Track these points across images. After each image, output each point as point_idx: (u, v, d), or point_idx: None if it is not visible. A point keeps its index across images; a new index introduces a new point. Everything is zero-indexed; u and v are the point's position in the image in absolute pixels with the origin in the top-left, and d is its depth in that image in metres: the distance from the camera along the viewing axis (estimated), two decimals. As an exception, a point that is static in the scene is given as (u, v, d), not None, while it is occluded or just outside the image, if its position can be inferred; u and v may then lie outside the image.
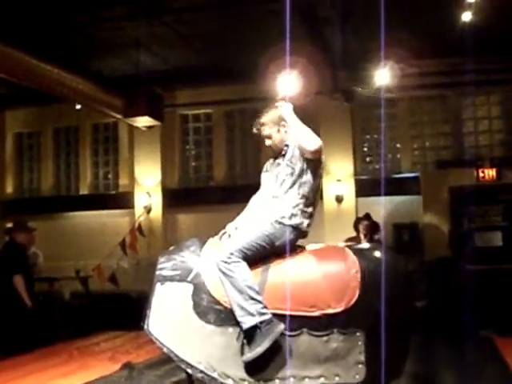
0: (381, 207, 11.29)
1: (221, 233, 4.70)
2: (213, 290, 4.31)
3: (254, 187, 4.75)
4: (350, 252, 4.45)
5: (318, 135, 4.53)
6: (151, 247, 14.01)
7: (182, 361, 4.25)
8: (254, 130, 4.75)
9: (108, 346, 8.29)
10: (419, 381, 6.16)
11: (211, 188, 14.83)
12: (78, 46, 11.17)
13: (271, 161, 4.82)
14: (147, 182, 14.84)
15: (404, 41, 9.03)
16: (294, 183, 4.52)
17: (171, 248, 4.73)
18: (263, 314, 4.16)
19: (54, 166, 16.35)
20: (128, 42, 11.20)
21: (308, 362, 4.22)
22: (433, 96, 13.95)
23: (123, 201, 15.06)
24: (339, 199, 13.52)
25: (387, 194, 12.34)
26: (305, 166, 4.52)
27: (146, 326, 4.37)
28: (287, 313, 4.21)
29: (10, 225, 9.73)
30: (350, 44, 11.15)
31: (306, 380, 4.21)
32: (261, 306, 4.18)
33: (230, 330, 4.24)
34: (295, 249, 4.53)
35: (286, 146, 4.64)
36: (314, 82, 10.49)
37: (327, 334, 4.22)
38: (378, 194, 11.27)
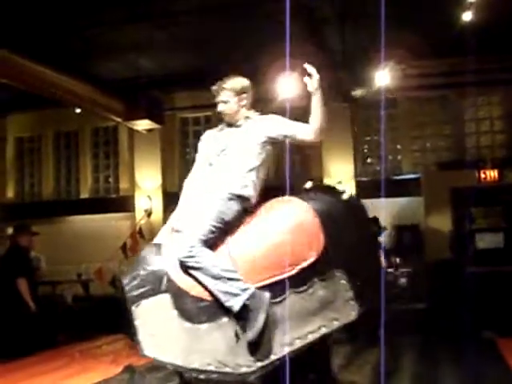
0: (382, 209, 11.26)
1: (164, 229, 4.54)
2: (191, 290, 4.17)
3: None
4: (300, 200, 4.46)
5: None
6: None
7: (192, 370, 4.10)
8: (213, 91, 4.64)
9: (110, 349, 8.29)
10: (421, 382, 6.16)
11: (212, 190, 14.75)
12: (78, 49, 11.16)
13: (214, 131, 4.73)
14: (148, 185, 14.84)
15: (404, 41, 9.01)
16: (249, 155, 4.45)
17: (129, 266, 4.48)
18: (246, 289, 4.09)
19: (55, 170, 16.36)
20: (128, 45, 11.19)
21: (304, 319, 4.23)
22: (433, 97, 13.94)
23: (124, 204, 15.06)
24: (340, 201, 13.49)
25: (388, 195, 12.26)
26: (266, 141, 4.48)
27: (141, 353, 4.13)
28: (268, 282, 4.18)
29: (11, 231, 9.76)
30: (349, 45, 11.13)
31: (310, 336, 4.22)
32: (241, 283, 4.11)
33: (224, 319, 4.14)
34: (244, 218, 4.45)
35: (247, 117, 4.60)
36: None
37: (310, 286, 4.25)
38: (379, 196, 11.21)
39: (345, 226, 4.42)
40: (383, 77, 10.62)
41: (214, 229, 4.24)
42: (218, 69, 12.01)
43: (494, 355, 7.33)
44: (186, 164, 15.27)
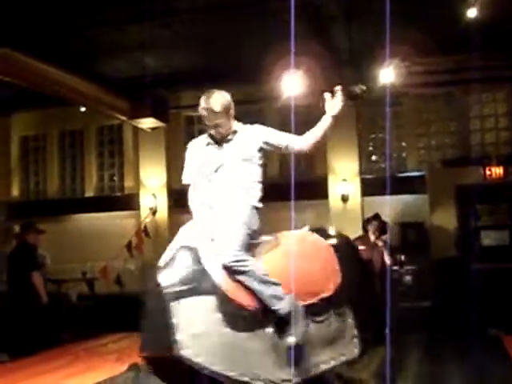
0: (387, 206, 11.24)
1: (184, 235, 4.45)
2: (236, 297, 4.16)
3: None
4: (320, 237, 4.74)
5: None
6: (157, 249, 13.97)
7: (228, 378, 4.05)
8: (202, 115, 4.56)
9: (115, 347, 8.30)
10: (427, 380, 6.15)
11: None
12: (83, 48, 11.15)
13: (202, 143, 4.73)
14: (152, 183, 14.84)
15: (409, 38, 8.97)
16: (251, 167, 4.48)
17: (161, 263, 4.31)
18: (286, 293, 4.23)
19: (60, 168, 16.37)
20: (132, 44, 11.16)
21: (319, 349, 4.36)
22: (439, 94, 13.90)
23: (129, 202, 15.07)
24: (345, 198, 13.48)
25: (393, 193, 12.24)
26: (261, 151, 4.53)
27: (176, 352, 3.97)
28: None
29: (17, 229, 9.78)
30: (355, 42, 11.10)
31: (322, 366, 4.36)
32: (280, 287, 4.23)
33: (262, 331, 4.20)
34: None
35: (234, 132, 4.56)
36: (319, 81, 10.46)
37: (327, 318, 4.43)
38: (384, 193, 11.21)
39: (350, 266, 4.69)
40: (388, 74, 10.59)
41: (247, 236, 4.32)
42: (223, 67, 12.09)
43: (500, 353, 7.34)
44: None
